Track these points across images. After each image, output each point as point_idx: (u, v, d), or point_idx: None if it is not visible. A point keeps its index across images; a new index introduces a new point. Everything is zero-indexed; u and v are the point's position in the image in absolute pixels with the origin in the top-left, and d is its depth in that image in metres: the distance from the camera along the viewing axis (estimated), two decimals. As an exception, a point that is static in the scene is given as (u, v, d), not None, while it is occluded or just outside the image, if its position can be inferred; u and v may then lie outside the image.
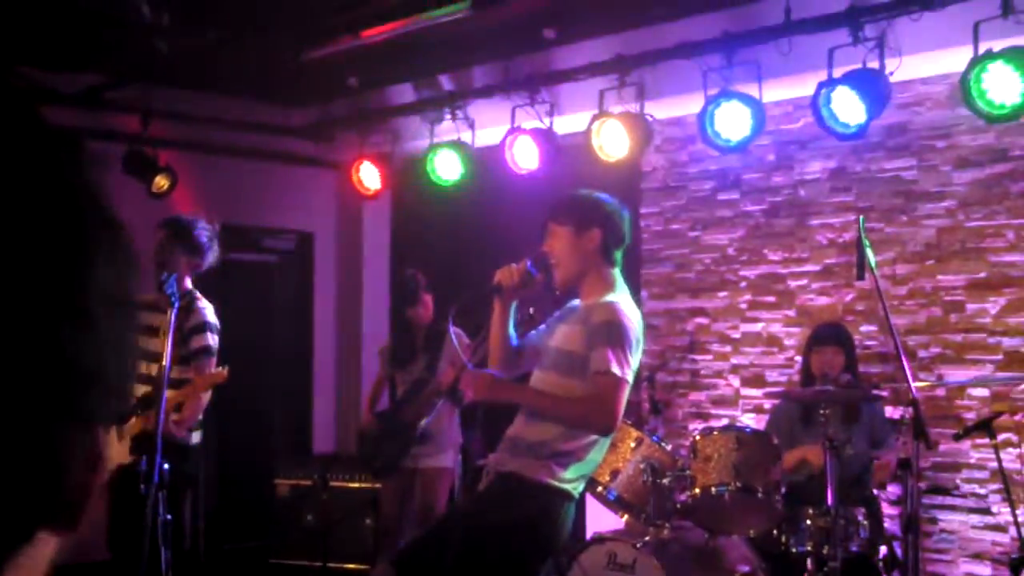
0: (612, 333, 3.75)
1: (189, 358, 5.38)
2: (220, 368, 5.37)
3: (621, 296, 3.94)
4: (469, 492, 4.37)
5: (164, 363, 4.36)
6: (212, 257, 5.60)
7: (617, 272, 4.05)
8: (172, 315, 4.37)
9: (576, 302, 4.07)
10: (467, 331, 6.03)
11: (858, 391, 5.57)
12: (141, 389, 5.46)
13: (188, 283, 5.58)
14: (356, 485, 7.19)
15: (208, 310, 5.50)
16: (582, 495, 6.24)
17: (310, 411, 8.97)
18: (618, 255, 4.05)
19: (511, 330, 4.12)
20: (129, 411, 5.39)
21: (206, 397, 5.42)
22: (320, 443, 8.93)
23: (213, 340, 5.47)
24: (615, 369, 3.69)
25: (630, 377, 3.76)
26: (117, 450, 5.38)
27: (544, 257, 3.98)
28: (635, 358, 3.83)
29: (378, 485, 6.68)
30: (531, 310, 5.55)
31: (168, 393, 5.20)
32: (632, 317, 3.84)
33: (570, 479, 3.84)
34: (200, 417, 5.49)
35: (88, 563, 6.91)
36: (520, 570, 3.85)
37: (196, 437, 5.54)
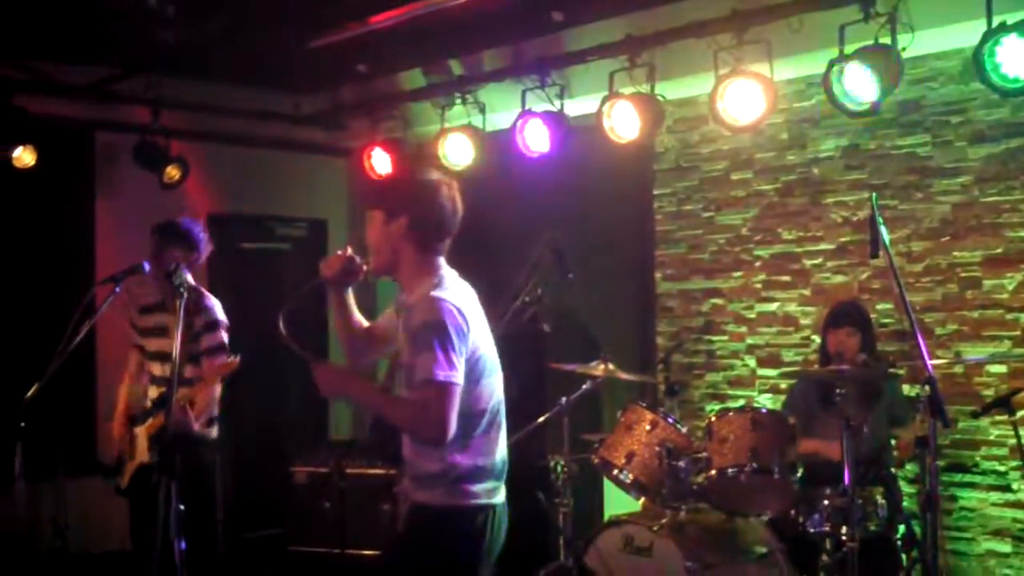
0: (431, 336, 3.45)
1: (200, 356, 5.38)
2: (228, 359, 5.36)
3: (441, 288, 3.61)
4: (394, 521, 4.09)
5: (173, 355, 4.34)
6: (206, 250, 5.58)
7: (439, 259, 3.70)
8: (181, 305, 4.35)
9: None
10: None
11: (875, 370, 5.54)
12: (156, 391, 5.49)
13: (190, 279, 5.56)
14: (373, 472, 7.19)
15: (217, 307, 5.50)
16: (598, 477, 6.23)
17: (326, 398, 8.97)
18: (441, 243, 3.70)
19: (354, 317, 3.93)
20: (146, 412, 5.44)
21: (217, 390, 5.42)
22: (336, 430, 8.95)
23: (224, 337, 5.48)
24: (438, 375, 3.42)
25: (458, 378, 3.45)
26: (140, 450, 5.41)
27: (366, 244, 3.78)
28: (464, 352, 3.50)
29: (395, 471, 6.68)
30: (570, 275, 5.54)
31: (181, 392, 5.22)
32: (453, 309, 3.52)
33: (482, 491, 3.61)
34: (216, 412, 5.50)
35: (114, 551, 6.98)
36: None
37: (214, 432, 5.55)
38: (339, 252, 3.77)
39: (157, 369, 5.54)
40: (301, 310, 3.82)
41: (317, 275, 3.82)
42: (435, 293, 3.56)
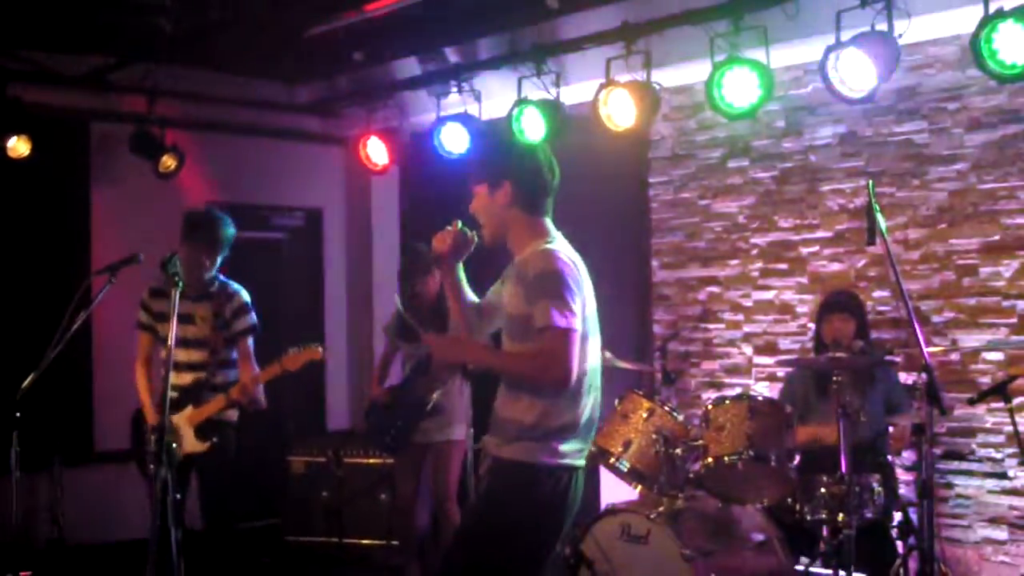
0: (548, 284, 3.58)
1: (234, 339, 5.60)
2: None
3: (553, 243, 3.77)
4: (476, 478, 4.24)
5: (171, 337, 4.35)
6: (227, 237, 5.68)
7: (547, 220, 3.86)
8: (176, 293, 4.35)
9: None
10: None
11: (870, 357, 5.54)
12: (188, 377, 5.51)
13: (214, 270, 5.67)
14: (370, 461, 7.20)
15: (243, 293, 5.71)
16: (595, 465, 6.24)
17: (323, 388, 8.98)
18: (545, 202, 3.86)
19: (466, 293, 4.02)
20: (188, 400, 5.48)
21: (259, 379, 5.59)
22: (334, 420, 8.95)
23: (255, 319, 5.71)
24: (558, 321, 3.53)
25: (577, 324, 3.57)
26: (188, 440, 5.44)
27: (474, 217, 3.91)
28: (578, 302, 3.62)
29: (392, 461, 6.69)
30: None
31: (225, 375, 5.31)
32: (568, 261, 3.67)
33: (568, 451, 3.70)
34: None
35: (111, 542, 6.98)
36: (534, 556, 3.73)
37: (234, 415, 5.63)
38: (449, 227, 3.91)
39: (183, 355, 5.55)
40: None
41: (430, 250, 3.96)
42: (548, 246, 3.71)
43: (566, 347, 3.54)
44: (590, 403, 3.78)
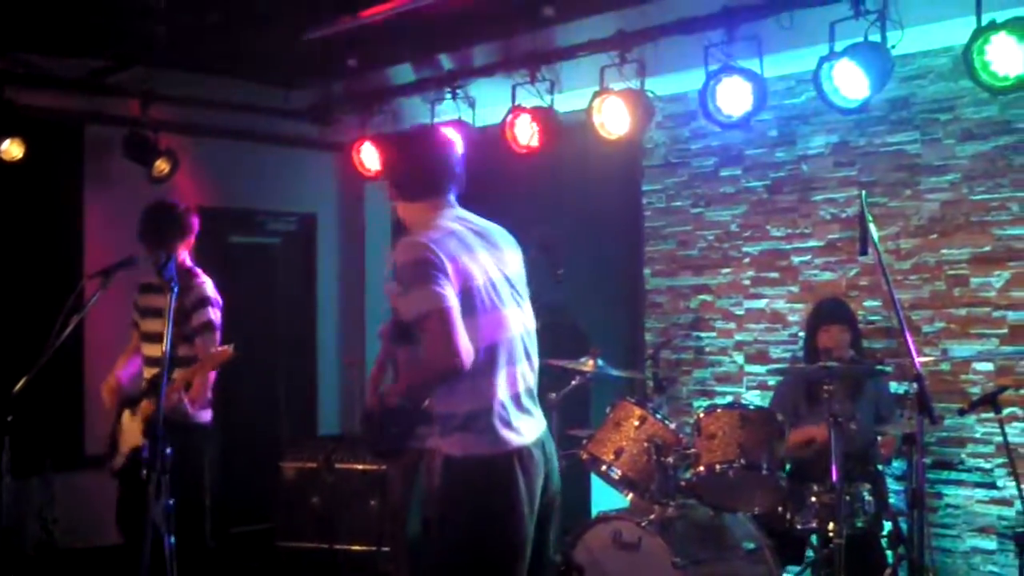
0: (407, 271, 3.50)
1: (192, 335, 5.39)
2: (225, 346, 5.34)
3: (432, 224, 3.68)
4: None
5: (164, 346, 4.34)
6: (196, 226, 5.60)
7: (434, 201, 3.77)
8: (172, 298, 4.35)
9: None
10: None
11: (862, 367, 5.55)
12: (150, 371, 5.49)
13: (188, 261, 5.59)
14: (362, 467, 7.19)
15: (207, 285, 5.51)
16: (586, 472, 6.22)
17: (315, 393, 8.98)
18: (425, 185, 3.78)
19: None
20: (141, 394, 5.43)
21: (212, 374, 5.43)
22: (325, 425, 8.94)
23: (215, 315, 5.49)
24: (426, 306, 3.43)
25: (449, 301, 3.43)
26: (131, 431, 5.41)
27: None
28: (447, 281, 3.48)
29: (384, 467, 6.68)
30: (559, 271, 5.54)
31: (177, 373, 5.23)
32: (423, 244, 3.53)
33: (501, 436, 3.58)
34: (209, 395, 5.51)
35: (102, 546, 6.97)
36: (504, 544, 3.62)
37: (206, 415, 5.56)
38: None
39: (148, 349, 5.54)
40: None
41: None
42: (408, 236, 3.66)
43: (446, 325, 3.42)
44: (512, 377, 3.66)
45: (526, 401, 3.72)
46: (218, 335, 5.48)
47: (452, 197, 3.83)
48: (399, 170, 3.86)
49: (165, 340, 4.35)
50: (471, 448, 3.60)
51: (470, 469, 3.60)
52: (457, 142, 4.08)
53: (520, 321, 3.75)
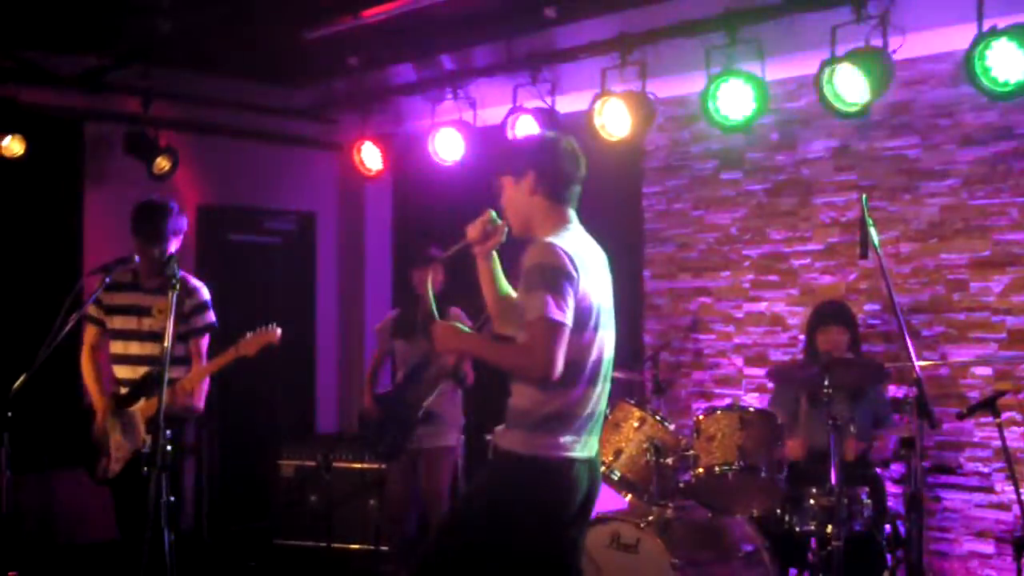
0: (539, 275, 3.60)
1: (188, 335, 5.37)
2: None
3: (564, 233, 3.78)
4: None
5: (166, 344, 4.34)
6: (186, 226, 5.59)
7: (569, 210, 3.89)
8: (173, 297, 4.35)
9: None
10: (468, 314, 6.03)
11: (863, 369, 5.56)
12: (126, 371, 5.46)
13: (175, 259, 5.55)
14: (360, 466, 7.20)
15: (203, 289, 5.52)
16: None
17: (313, 392, 8.98)
18: (568, 191, 3.88)
19: (500, 283, 4.04)
20: (141, 393, 5.40)
21: (209, 369, 5.41)
22: (323, 424, 8.95)
23: (214, 317, 5.52)
24: (545, 313, 3.53)
25: (566, 318, 3.56)
26: (128, 437, 5.38)
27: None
28: (571, 295, 3.60)
29: (382, 466, 6.69)
30: None
31: (178, 371, 5.23)
32: (566, 253, 3.64)
33: (564, 442, 3.70)
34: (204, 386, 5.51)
35: (100, 542, 6.97)
36: (531, 544, 3.74)
37: (202, 404, 5.56)
38: (483, 216, 3.94)
39: (121, 347, 5.49)
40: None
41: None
42: (547, 238, 3.71)
43: (549, 339, 3.55)
44: (591, 396, 3.77)
45: (597, 421, 3.86)
46: (208, 337, 5.50)
47: (575, 212, 3.93)
48: (555, 165, 3.86)
49: (165, 337, 4.34)
50: (537, 448, 3.69)
51: (529, 467, 3.70)
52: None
53: (611, 346, 3.88)
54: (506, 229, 3.93)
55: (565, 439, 3.69)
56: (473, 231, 3.95)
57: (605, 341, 3.81)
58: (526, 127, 6.73)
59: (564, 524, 3.76)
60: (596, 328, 3.75)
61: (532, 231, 3.85)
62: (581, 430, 3.75)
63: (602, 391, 3.85)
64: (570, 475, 3.72)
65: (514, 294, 3.99)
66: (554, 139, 3.94)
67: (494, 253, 4.01)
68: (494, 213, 3.94)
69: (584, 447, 3.76)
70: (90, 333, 5.63)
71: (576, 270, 3.64)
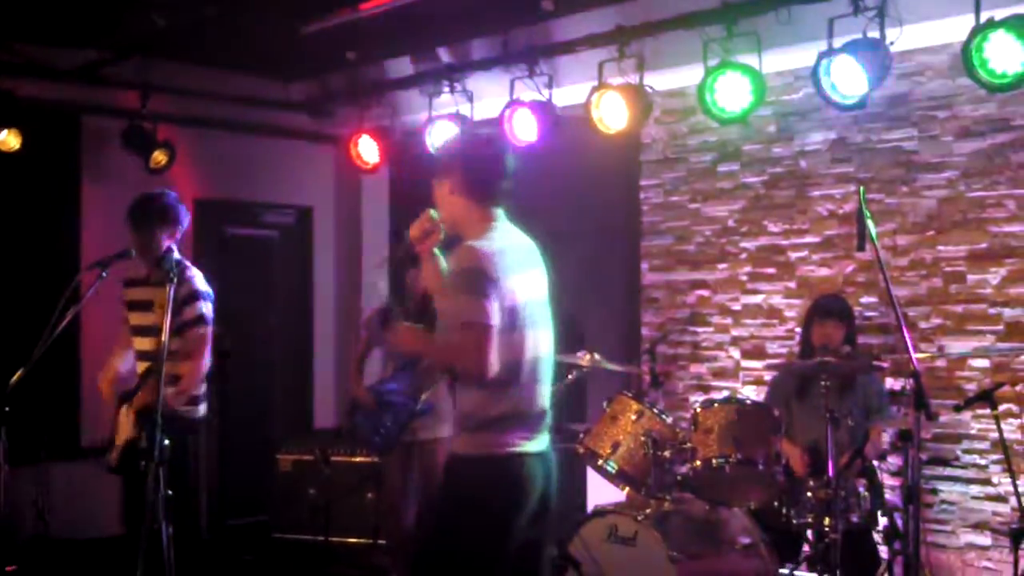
0: (464, 280, 3.66)
1: (182, 328, 5.32)
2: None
3: (490, 233, 3.80)
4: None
5: (163, 338, 4.34)
6: (186, 220, 5.54)
7: (495, 209, 3.90)
8: (171, 290, 4.35)
9: None
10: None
11: (858, 362, 5.56)
12: (141, 364, 5.47)
13: (176, 253, 5.51)
14: (358, 459, 7.20)
15: (197, 278, 5.42)
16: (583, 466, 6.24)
17: (311, 386, 8.98)
18: (490, 191, 3.89)
19: (446, 279, 4.00)
20: (134, 387, 5.40)
21: (204, 366, 5.38)
22: (321, 418, 8.95)
23: (206, 308, 5.41)
24: (472, 316, 3.60)
25: (491, 319, 3.61)
26: (125, 426, 5.39)
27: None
28: (495, 297, 3.63)
29: (379, 460, 6.68)
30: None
31: (172, 366, 5.21)
32: (490, 255, 3.68)
33: (512, 440, 3.73)
34: (202, 390, 5.47)
35: (96, 537, 6.98)
36: (493, 544, 3.74)
37: (201, 410, 5.53)
38: (421, 215, 3.97)
39: (137, 343, 5.51)
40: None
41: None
42: (471, 242, 3.76)
43: (478, 341, 3.60)
44: (535, 393, 3.82)
45: (544, 418, 3.89)
46: (209, 329, 5.45)
47: (502, 209, 3.94)
48: (475, 166, 3.90)
49: (163, 331, 4.34)
50: (488, 448, 3.73)
51: (481, 468, 3.75)
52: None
53: (548, 342, 3.93)
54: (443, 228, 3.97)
55: (514, 436, 3.74)
56: (413, 230, 3.98)
57: (539, 339, 3.85)
58: (523, 120, 6.72)
59: (524, 520, 3.76)
60: (527, 326, 3.78)
61: (460, 230, 3.89)
62: (530, 426, 3.79)
63: (546, 389, 3.89)
64: (524, 470, 3.75)
65: None
66: (476, 139, 4.03)
67: (437, 251, 4.02)
68: (433, 212, 3.96)
69: (535, 442, 3.80)
70: (123, 331, 5.67)
71: (498, 271, 3.68)
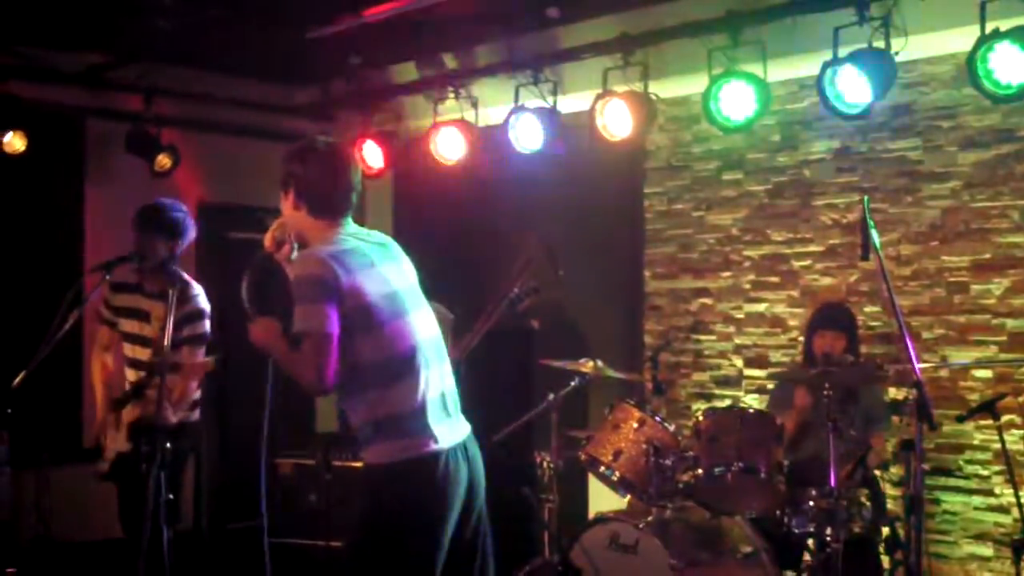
0: (301, 288, 3.55)
1: (181, 343, 5.29)
2: (208, 358, 5.37)
3: (334, 239, 3.70)
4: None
5: (165, 346, 4.34)
6: (191, 235, 5.52)
7: (338, 219, 3.78)
8: (172, 301, 4.35)
9: None
10: (469, 321, 6.01)
11: (860, 372, 5.55)
12: (134, 375, 5.46)
13: (178, 267, 5.49)
14: (359, 464, 7.18)
15: (201, 296, 5.43)
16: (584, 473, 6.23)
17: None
18: (329, 204, 3.78)
19: None
20: (124, 398, 5.39)
21: (196, 382, 5.39)
22: (322, 422, 8.94)
23: (206, 327, 5.43)
24: (309, 326, 3.49)
25: (331, 327, 3.49)
26: (115, 438, 5.38)
27: None
28: (334, 303, 3.51)
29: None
30: (560, 272, 5.54)
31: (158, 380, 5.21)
32: (322, 260, 3.58)
33: (424, 438, 3.60)
34: (196, 396, 5.47)
35: (98, 540, 6.96)
36: (421, 552, 3.62)
37: (195, 415, 5.53)
38: (272, 225, 3.92)
39: (130, 351, 5.49)
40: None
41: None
42: (309, 249, 3.69)
43: (317, 352, 3.48)
44: (420, 384, 3.66)
45: (445, 404, 3.75)
46: (205, 347, 5.45)
47: (349, 218, 3.84)
48: (312, 181, 3.77)
49: (165, 343, 4.34)
50: (391, 455, 3.61)
51: (392, 476, 3.60)
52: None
53: (428, 325, 3.79)
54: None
55: (419, 434, 3.60)
56: (267, 240, 3.93)
57: (414, 324, 3.70)
58: (527, 127, 6.73)
59: (445, 521, 3.63)
60: (397, 316, 3.66)
61: (306, 241, 3.81)
62: (432, 419, 3.64)
63: (440, 373, 3.75)
64: (443, 467, 3.61)
65: None
66: (309, 150, 3.85)
67: (294, 259, 3.91)
68: (278, 223, 3.91)
69: (446, 435, 3.67)
70: (102, 333, 5.63)
71: (337, 273, 3.55)
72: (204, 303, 5.43)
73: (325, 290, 3.53)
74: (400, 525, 3.58)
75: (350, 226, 3.82)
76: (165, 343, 4.57)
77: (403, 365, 3.64)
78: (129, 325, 5.48)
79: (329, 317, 3.50)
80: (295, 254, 3.82)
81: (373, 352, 3.59)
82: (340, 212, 3.80)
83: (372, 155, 7.99)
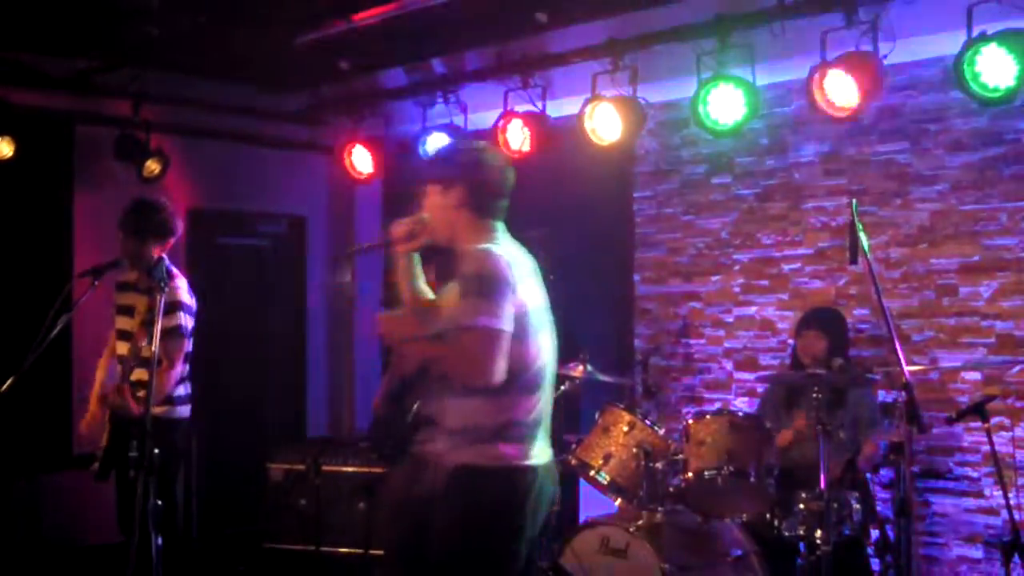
0: (478, 283, 3.57)
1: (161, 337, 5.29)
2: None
3: (497, 245, 3.74)
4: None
5: (153, 346, 4.33)
6: (179, 232, 5.54)
7: (496, 223, 3.86)
8: (161, 300, 4.34)
9: None
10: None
11: (848, 375, 5.57)
12: (119, 370, 5.45)
13: (166, 261, 5.48)
14: (349, 469, 7.18)
15: (182, 289, 5.43)
16: (575, 477, 6.24)
17: (303, 395, 8.96)
18: (496, 206, 3.87)
19: (418, 283, 4.00)
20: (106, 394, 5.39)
21: (176, 372, 5.36)
22: (313, 427, 8.93)
23: (185, 320, 5.40)
24: (484, 320, 3.51)
25: (504, 324, 3.53)
26: (100, 431, 5.39)
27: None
28: (509, 303, 3.56)
29: (372, 469, 6.68)
30: (550, 276, 5.54)
31: (136, 373, 5.20)
32: (504, 261, 3.62)
33: (526, 450, 3.67)
34: (177, 392, 5.45)
35: (88, 546, 6.94)
36: (496, 560, 3.68)
37: (183, 411, 5.52)
38: (413, 216, 3.90)
39: (119, 347, 5.50)
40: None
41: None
42: (484, 246, 3.69)
43: (489, 346, 3.52)
44: (540, 402, 3.74)
45: (546, 425, 3.82)
46: (186, 341, 5.43)
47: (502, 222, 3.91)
48: (485, 183, 3.85)
49: (150, 338, 4.33)
50: (496, 460, 3.65)
51: (495, 481, 3.66)
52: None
53: (552, 350, 3.86)
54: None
55: (524, 446, 3.67)
56: (399, 229, 3.90)
57: (545, 347, 3.78)
58: (516, 131, 6.74)
59: (527, 531, 3.70)
60: (540, 332, 3.73)
61: (456, 242, 3.83)
62: (537, 436, 3.73)
63: (550, 396, 3.83)
64: (536, 481, 3.68)
65: (430, 296, 4.01)
66: (485, 153, 3.92)
67: (415, 253, 3.97)
68: (426, 216, 3.90)
69: (543, 453, 3.75)
70: (111, 333, 5.67)
71: (513, 277, 3.62)
72: (185, 295, 5.41)
73: (507, 289, 3.59)
74: (494, 527, 3.65)
75: (503, 230, 3.89)
76: (143, 338, 4.57)
77: (536, 378, 3.73)
78: (120, 322, 5.51)
79: (506, 315, 3.56)
80: (471, 248, 3.75)
81: (518, 360, 3.63)
82: (500, 216, 3.89)
83: (361, 160, 7.99)
